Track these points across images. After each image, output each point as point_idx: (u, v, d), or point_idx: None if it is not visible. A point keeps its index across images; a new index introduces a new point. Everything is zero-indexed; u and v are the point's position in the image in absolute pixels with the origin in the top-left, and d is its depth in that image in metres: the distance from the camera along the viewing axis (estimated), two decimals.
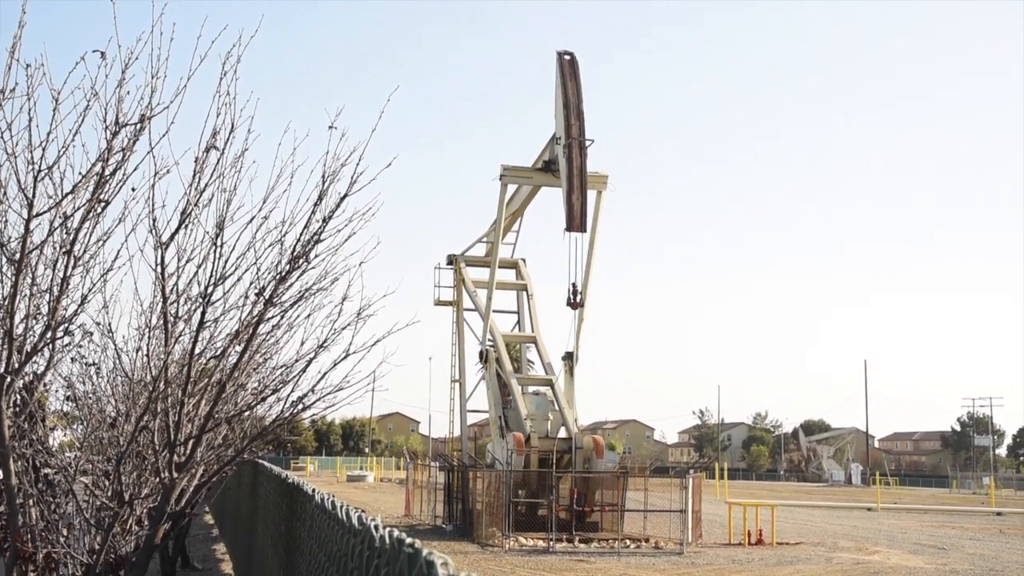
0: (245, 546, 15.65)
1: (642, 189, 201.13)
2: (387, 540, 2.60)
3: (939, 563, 24.36)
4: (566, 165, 28.66)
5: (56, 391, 8.42)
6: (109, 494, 6.67)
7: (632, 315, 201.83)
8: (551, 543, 25.67)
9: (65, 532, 6.75)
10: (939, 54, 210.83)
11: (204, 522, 29.29)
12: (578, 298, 30.37)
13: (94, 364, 8.68)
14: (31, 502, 6.57)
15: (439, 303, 35.89)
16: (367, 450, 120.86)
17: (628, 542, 26.71)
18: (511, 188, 32.69)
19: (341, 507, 3.78)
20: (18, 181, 5.58)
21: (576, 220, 28.78)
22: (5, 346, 5.88)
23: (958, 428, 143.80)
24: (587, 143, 28.72)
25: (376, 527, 2.86)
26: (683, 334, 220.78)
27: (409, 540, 2.33)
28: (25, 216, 5.58)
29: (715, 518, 34.33)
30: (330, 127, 6.15)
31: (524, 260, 36.51)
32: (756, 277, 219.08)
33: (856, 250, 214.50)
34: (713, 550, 26.78)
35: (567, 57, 29.69)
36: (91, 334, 7.35)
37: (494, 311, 34.02)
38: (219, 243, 6.23)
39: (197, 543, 23.27)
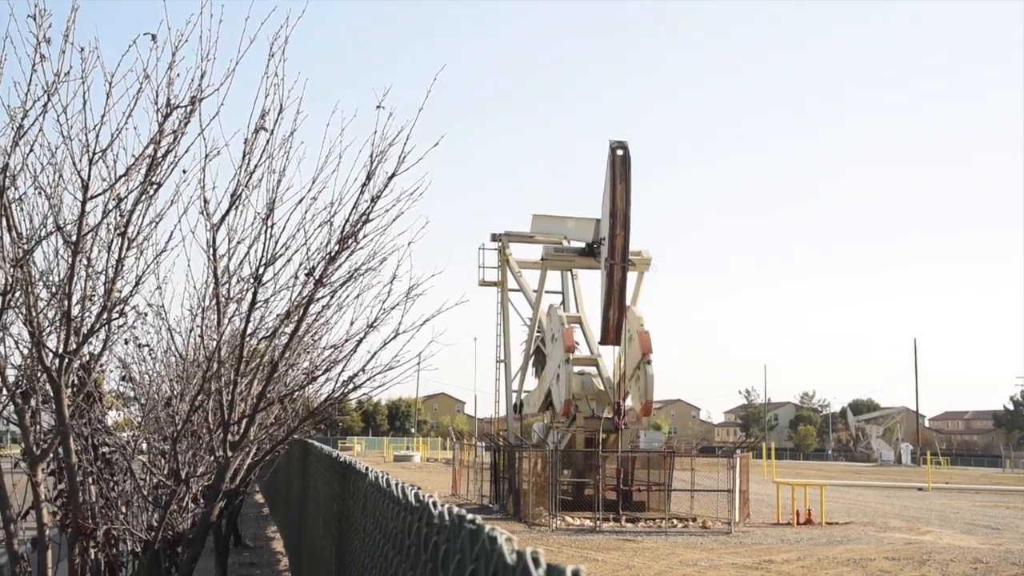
0: (295, 524, 15.85)
1: (690, 168, 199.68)
2: (446, 517, 2.60)
3: (993, 543, 24.02)
4: (606, 279, 28.61)
5: (111, 372, 8.56)
6: (165, 472, 6.77)
7: (678, 294, 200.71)
8: (598, 522, 25.72)
9: (124, 509, 6.87)
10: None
11: (255, 501, 29.73)
12: (623, 418, 29.71)
13: (147, 345, 8.82)
14: (90, 480, 6.70)
15: (484, 283, 35.91)
16: (413, 430, 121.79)
17: (675, 521, 26.68)
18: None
19: (397, 485, 3.79)
20: (74, 163, 5.65)
21: (611, 334, 29.06)
22: (63, 327, 5.97)
23: (1011, 407, 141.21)
24: (629, 265, 28.55)
25: (434, 504, 2.86)
26: (729, 314, 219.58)
27: (470, 516, 2.32)
28: (81, 198, 5.65)
29: (762, 498, 34.14)
30: (378, 107, 6.15)
31: (567, 239, 36.43)
32: (803, 256, 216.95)
33: (906, 229, 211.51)
34: (761, 529, 26.66)
35: (619, 152, 28.38)
36: (145, 315, 7.45)
37: (535, 290, 34.07)
38: (270, 224, 6.26)
39: (248, 521, 23.63)
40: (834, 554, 21.16)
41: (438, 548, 2.72)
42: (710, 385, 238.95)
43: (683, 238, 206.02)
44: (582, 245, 32.78)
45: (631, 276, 29.89)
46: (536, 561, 1.71)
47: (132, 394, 8.95)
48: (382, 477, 4.30)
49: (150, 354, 8.91)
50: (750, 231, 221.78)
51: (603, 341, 29.86)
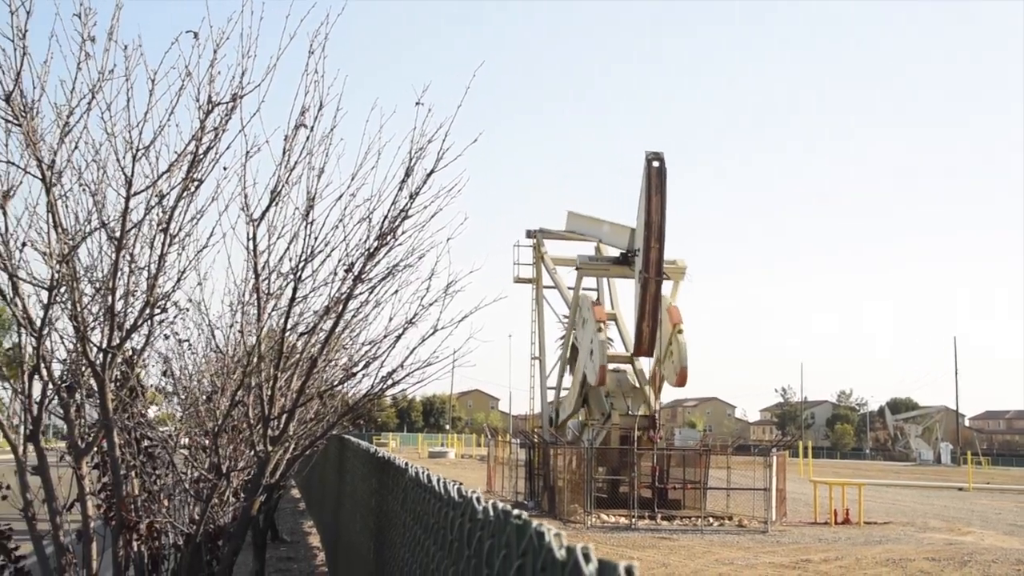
0: (332, 519, 15.95)
1: (725, 167, 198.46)
2: (491, 512, 2.59)
3: None
4: (640, 292, 28.52)
5: (151, 367, 8.65)
6: (206, 466, 6.84)
7: (713, 292, 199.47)
8: (633, 520, 25.64)
9: (166, 503, 6.94)
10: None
11: (291, 496, 29.96)
12: (658, 432, 29.66)
13: (187, 341, 8.90)
14: (133, 473, 6.77)
15: (519, 280, 35.91)
16: (447, 427, 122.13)
17: (711, 520, 26.53)
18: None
19: (438, 480, 3.79)
20: (118, 160, 5.71)
21: (644, 346, 28.99)
22: (107, 322, 6.04)
23: None
24: (663, 278, 28.43)
25: (478, 499, 2.86)
26: (765, 311, 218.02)
27: (516, 512, 2.31)
28: (125, 194, 5.71)
29: (799, 496, 33.87)
30: (417, 103, 6.16)
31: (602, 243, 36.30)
32: (840, 253, 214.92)
33: (943, 227, 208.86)
34: (798, 528, 26.44)
35: (655, 164, 28.04)
36: (187, 310, 7.53)
37: (571, 287, 34.01)
38: (309, 220, 6.30)
39: (285, 516, 23.82)
40: (873, 554, 20.94)
41: (482, 543, 2.72)
42: (746, 383, 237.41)
43: (720, 233, 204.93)
44: (616, 253, 32.66)
45: (666, 284, 29.79)
46: (587, 556, 1.70)
47: (172, 389, 9.05)
48: (423, 473, 4.30)
49: (189, 349, 9.00)
50: (787, 226, 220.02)
51: (636, 353, 29.90)
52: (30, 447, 6.24)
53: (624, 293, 34.37)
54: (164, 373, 8.76)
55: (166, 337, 8.28)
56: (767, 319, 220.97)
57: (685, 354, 28.70)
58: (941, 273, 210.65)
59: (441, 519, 3.60)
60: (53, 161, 5.58)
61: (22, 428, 6.52)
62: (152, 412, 8.88)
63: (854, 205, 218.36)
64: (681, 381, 28.99)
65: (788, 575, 17.77)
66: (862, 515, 28.54)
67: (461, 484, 3.44)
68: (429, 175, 6.43)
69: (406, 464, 5.29)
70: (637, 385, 31.25)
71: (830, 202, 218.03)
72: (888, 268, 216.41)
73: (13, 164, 5.63)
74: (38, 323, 5.90)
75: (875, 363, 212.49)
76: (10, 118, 5.48)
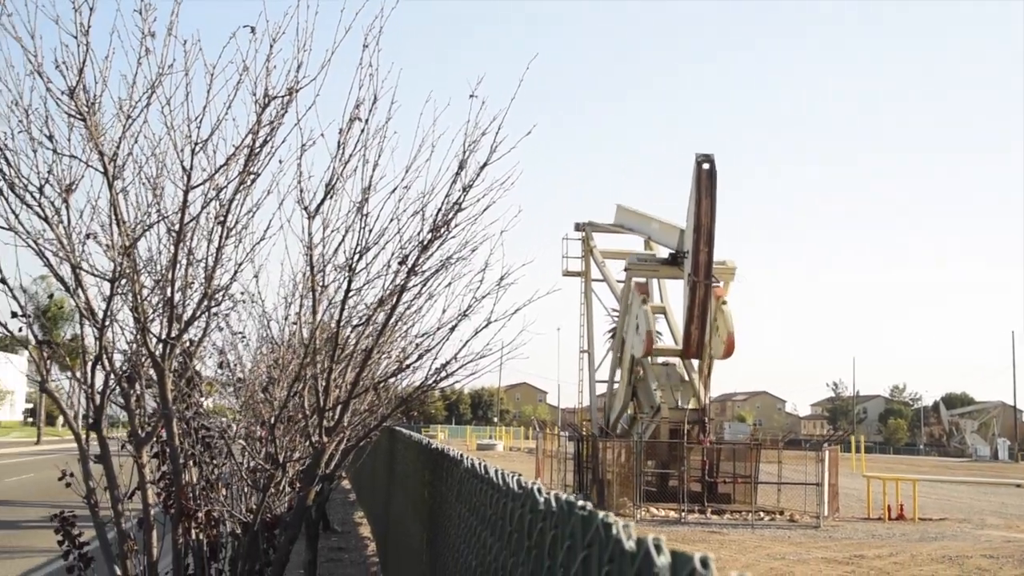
0: (382, 510, 16.07)
1: (776, 160, 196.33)
2: (554, 504, 2.59)
3: None
4: (689, 295, 28.37)
5: (207, 359, 8.77)
6: (263, 456, 6.92)
7: (763, 285, 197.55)
8: (683, 514, 25.51)
9: (224, 491, 7.03)
10: None
11: (342, 487, 30.23)
12: (707, 434, 29.51)
13: (240, 333, 9.02)
14: (191, 462, 6.87)
15: (567, 273, 35.80)
16: (495, 419, 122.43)
17: (762, 514, 26.31)
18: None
19: (496, 471, 3.79)
20: (177, 154, 5.79)
21: (693, 349, 29.09)
22: (166, 314, 6.14)
23: None
24: (713, 282, 28.27)
25: (539, 490, 2.85)
26: (816, 305, 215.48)
27: (580, 503, 2.30)
28: (183, 188, 5.79)
29: (852, 492, 33.46)
30: (471, 96, 6.16)
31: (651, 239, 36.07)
32: (894, 245, 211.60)
33: (1001, 219, 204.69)
34: (851, 524, 26.13)
35: (705, 166, 27.79)
36: (243, 302, 7.62)
37: (620, 281, 33.86)
38: (364, 213, 6.33)
39: (335, 507, 24.04)
40: (928, 551, 20.61)
41: (544, 534, 2.71)
42: (796, 377, 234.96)
43: (772, 226, 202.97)
44: (665, 252, 32.46)
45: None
46: (658, 548, 1.68)
47: (226, 380, 9.17)
48: (479, 464, 4.31)
49: (243, 341, 9.12)
50: (839, 218, 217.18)
51: (685, 355, 29.81)
52: (93, 436, 6.36)
53: (674, 288, 34.14)
54: (220, 365, 8.89)
55: (220, 329, 8.40)
56: (819, 313, 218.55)
57: (731, 321, 28.56)
58: (999, 266, 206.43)
59: (499, 510, 3.60)
60: (115, 154, 5.68)
61: (80, 417, 6.65)
62: (207, 403, 9.02)
63: (909, 196, 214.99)
64: (729, 349, 28.76)
65: (841, 571, 17.56)
66: (917, 511, 28.12)
67: (520, 475, 3.43)
68: (482, 168, 6.42)
69: (461, 455, 5.30)
70: (686, 378, 31.06)
71: (885, 194, 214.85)
72: (945, 261, 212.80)
73: (76, 158, 5.73)
74: (100, 315, 6.01)
75: (930, 357, 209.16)
76: (73, 112, 5.58)
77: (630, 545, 1.84)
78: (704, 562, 1.44)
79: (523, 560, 3.09)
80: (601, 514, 2.11)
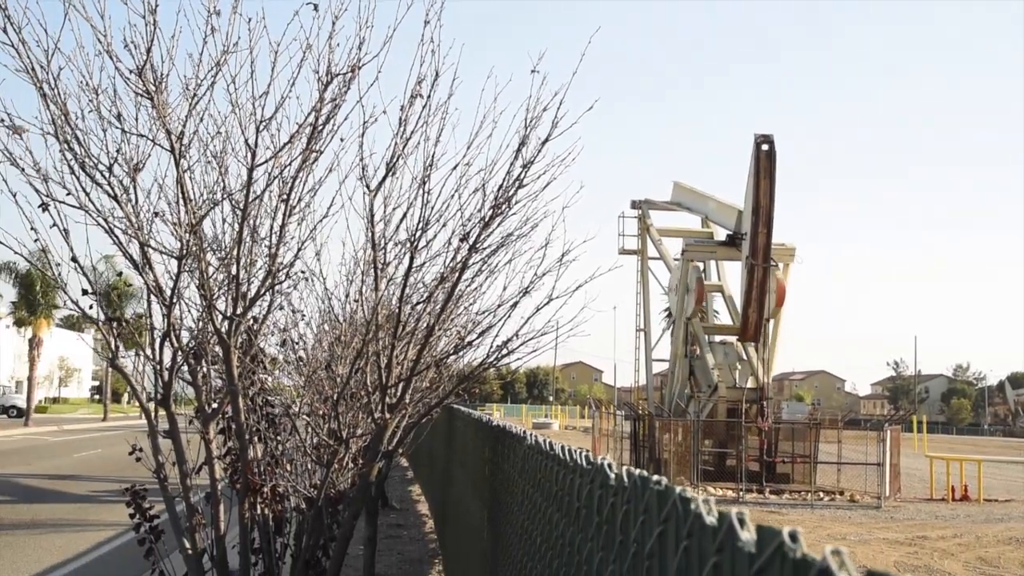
0: (440, 487, 16.19)
1: (834, 137, 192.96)
2: (625, 479, 2.57)
3: None
4: (747, 277, 27.94)
5: (269, 337, 8.87)
6: (326, 432, 6.99)
7: (822, 262, 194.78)
8: (740, 493, 25.34)
9: (288, 467, 7.13)
10: None
11: (399, 464, 30.53)
12: (766, 418, 29.14)
13: (300, 311, 9.10)
14: (256, 438, 6.97)
15: (623, 252, 35.59)
16: (551, 398, 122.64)
17: (821, 494, 26.03)
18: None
19: (563, 448, 3.78)
20: (242, 132, 5.84)
21: (750, 332, 28.64)
22: (231, 291, 6.22)
23: None
24: (771, 265, 27.87)
25: (609, 466, 2.83)
26: (876, 282, 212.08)
27: (655, 478, 2.28)
28: (248, 165, 5.84)
29: (914, 472, 32.94)
30: (533, 71, 6.12)
31: (708, 219, 35.70)
32: (955, 222, 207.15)
33: None
34: (913, 504, 25.73)
35: (764, 147, 27.17)
36: (307, 279, 7.69)
37: (676, 259, 33.59)
38: (426, 190, 6.34)
39: (393, 484, 24.28)
40: (994, 532, 20.22)
41: (615, 510, 2.69)
42: (856, 356, 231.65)
43: (832, 203, 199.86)
44: (722, 232, 32.12)
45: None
46: (742, 522, 1.65)
47: (290, 358, 9.27)
48: (545, 441, 4.30)
49: (303, 319, 9.20)
50: (899, 195, 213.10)
51: (742, 338, 29.49)
52: (161, 412, 6.48)
53: (733, 267, 33.79)
54: (282, 344, 8.98)
55: (280, 307, 8.49)
56: (879, 291, 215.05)
57: (780, 274, 28.35)
58: None
59: (566, 486, 3.59)
60: (182, 133, 5.74)
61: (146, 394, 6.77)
62: (268, 382, 9.13)
63: (969, 171, 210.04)
64: (780, 298, 28.48)
65: (904, 552, 17.31)
66: (981, 492, 27.60)
67: (588, 451, 3.41)
68: (543, 144, 6.39)
69: (524, 432, 5.30)
70: (744, 357, 30.76)
71: (944, 168, 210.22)
72: (1007, 237, 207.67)
73: (144, 136, 5.81)
74: (168, 292, 6.11)
75: (993, 336, 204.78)
76: (141, 91, 5.65)
77: (711, 520, 1.81)
78: (793, 536, 1.40)
79: (592, 536, 3.07)
80: (678, 489, 2.08)
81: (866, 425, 32.52)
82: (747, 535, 1.61)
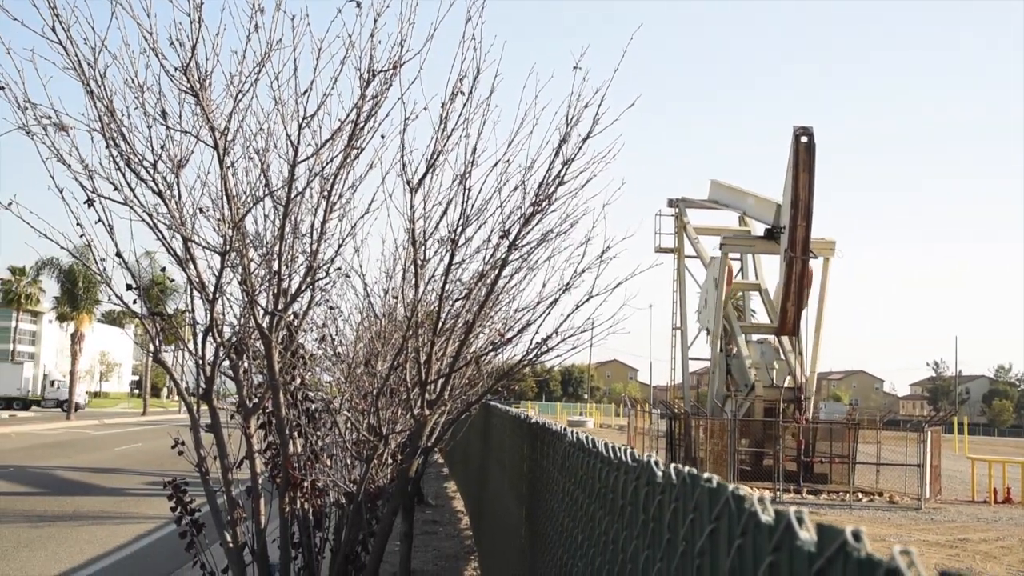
0: (476, 484, 16.21)
1: (874, 134, 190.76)
2: (673, 476, 2.54)
3: None
4: (786, 271, 27.72)
5: (308, 333, 8.92)
6: (365, 428, 7.02)
7: (860, 261, 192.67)
8: (778, 494, 25.13)
9: (328, 462, 7.17)
10: None
11: (434, 461, 30.61)
12: (803, 412, 28.90)
13: (337, 308, 9.13)
14: (296, 433, 7.01)
15: (660, 250, 35.38)
16: (586, 396, 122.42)
17: (860, 495, 25.75)
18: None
19: (607, 445, 3.76)
20: (284, 128, 5.87)
21: (788, 326, 28.46)
22: (272, 287, 6.25)
23: None
24: (811, 257, 27.61)
25: (656, 463, 2.81)
26: (916, 282, 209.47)
27: (706, 475, 2.25)
28: (290, 162, 5.87)
29: (955, 474, 32.51)
30: (575, 68, 6.09)
31: (746, 215, 35.41)
32: (996, 221, 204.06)
33: None
34: (954, 507, 25.39)
35: (804, 140, 27.00)
36: (348, 276, 7.72)
37: (714, 258, 33.37)
38: (466, 187, 6.34)
39: (429, 480, 24.35)
40: None
41: (663, 508, 2.67)
42: (895, 356, 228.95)
43: (872, 202, 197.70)
44: (761, 228, 31.87)
45: (817, 261, 29.06)
46: (800, 520, 1.63)
47: (324, 354, 9.31)
48: (587, 438, 4.28)
49: (340, 316, 9.23)
50: (938, 193, 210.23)
51: (780, 332, 29.25)
52: (203, 406, 6.54)
53: (770, 266, 33.52)
54: (321, 340, 9.02)
55: (317, 304, 8.52)
56: (919, 291, 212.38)
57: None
58: None
59: (610, 484, 3.57)
60: (226, 129, 5.78)
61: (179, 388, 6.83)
62: (307, 377, 9.18)
63: (1010, 168, 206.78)
64: (808, 282, 28.35)
65: (945, 554, 17.08)
66: None
67: (633, 448, 3.39)
68: (584, 140, 6.37)
69: (564, 429, 5.28)
70: (782, 357, 30.50)
71: (984, 166, 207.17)
72: None
73: (188, 133, 5.86)
74: (211, 287, 6.15)
75: None
76: (186, 88, 5.70)
77: (767, 518, 1.79)
78: (856, 535, 1.38)
79: (637, 534, 3.05)
80: (730, 486, 2.05)
81: (905, 426, 32.10)
82: (806, 534, 1.58)
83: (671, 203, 35.80)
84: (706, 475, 2.24)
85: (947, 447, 39.37)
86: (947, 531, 20.22)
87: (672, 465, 2.63)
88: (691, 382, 35.00)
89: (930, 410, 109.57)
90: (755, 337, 32.05)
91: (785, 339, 30.62)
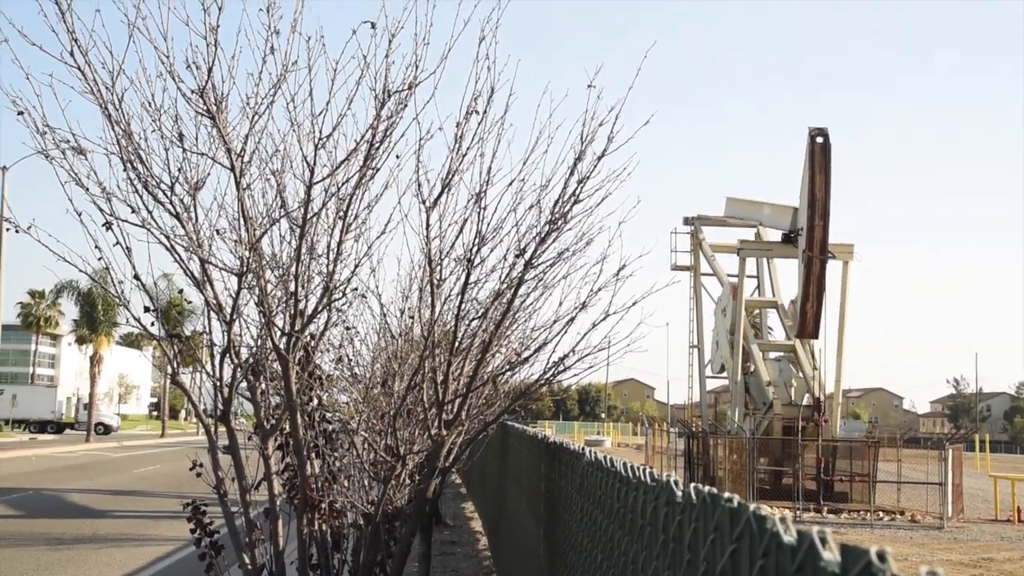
0: (494, 504, 16.15)
1: (888, 145, 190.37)
2: (693, 496, 2.52)
3: None
4: (804, 272, 27.58)
5: (325, 354, 8.92)
6: (382, 448, 7.00)
7: (879, 278, 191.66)
8: (797, 513, 24.89)
9: (346, 483, 7.15)
10: None
11: (451, 481, 30.54)
12: (823, 415, 28.77)
13: (353, 328, 9.14)
14: (313, 454, 7.00)
15: (676, 268, 35.29)
16: (603, 415, 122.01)
17: (881, 514, 25.50)
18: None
19: (625, 465, 3.73)
20: (301, 149, 5.90)
21: (808, 328, 28.05)
22: (289, 308, 6.26)
23: None
24: (828, 256, 27.47)
25: (676, 483, 2.78)
26: (936, 298, 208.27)
27: (726, 495, 2.23)
28: (307, 183, 5.89)
29: (977, 492, 32.14)
30: (589, 86, 6.10)
31: (762, 225, 35.34)
32: (1015, 235, 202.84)
33: None
34: (977, 526, 25.09)
35: (819, 140, 27.10)
36: (364, 297, 7.72)
37: (730, 275, 33.27)
38: (481, 206, 6.34)
39: (446, 500, 24.27)
40: None
41: (683, 528, 2.64)
42: (914, 373, 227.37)
43: (889, 217, 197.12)
44: (779, 235, 31.78)
45: (836, 266, 28.94)
46: (824, 540, 1.60)
47: (345, 374, 9.31)
48: (606, 457, 4.25)
49: (357, 336, 9.24)
50: (958, 207, 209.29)
51: (800, 335, 29.02)
52: (220, 427, 6.54)
53: (787, 278, 33.35)
54: (337, 360, 9.02)
55: (334, 324, 8.53)
56: (938, 306, 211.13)
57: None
58: None
59: (628, 504, 3.54)
60: (242, 151, 5.81)
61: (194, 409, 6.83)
62: (324, 398, 9.18)
63: None
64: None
65: (969, 574, 16.87)
66: None
67: (652, 468, 3.37)
68: (599, 159, 6.37)
69: (582, 449, 5.25)
70: (799, 375, 30.33)
71: (1004, 179, 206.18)
72: None
73: (205, 155, 5.89)
74: (228, 309, 6.17)
75: None
76: (202, 111, 5.74)
77: (789, 538, 1.76)
78: (881, 556, 1.35)
79: (657, 554, 3.02)
80: (752, 506, 2.03)
81: (926, 443, 31.81)
82: (830, 554, 1.56)
83: (687, 221, 35.72)
84: (726, 495, 2.22)
85: (969, 465, 39.02)
86: (971, 550, 19.98)
87: (692, 484, 2.60)
88: (708, 400, 34.84)
89: (951, 428, 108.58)
90: (772, 355, 31.90)
91: (804, 356, 30.44)
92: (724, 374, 32.67)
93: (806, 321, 27.83)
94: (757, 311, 36.61)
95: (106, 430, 70.06)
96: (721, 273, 34.34)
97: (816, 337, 28.59)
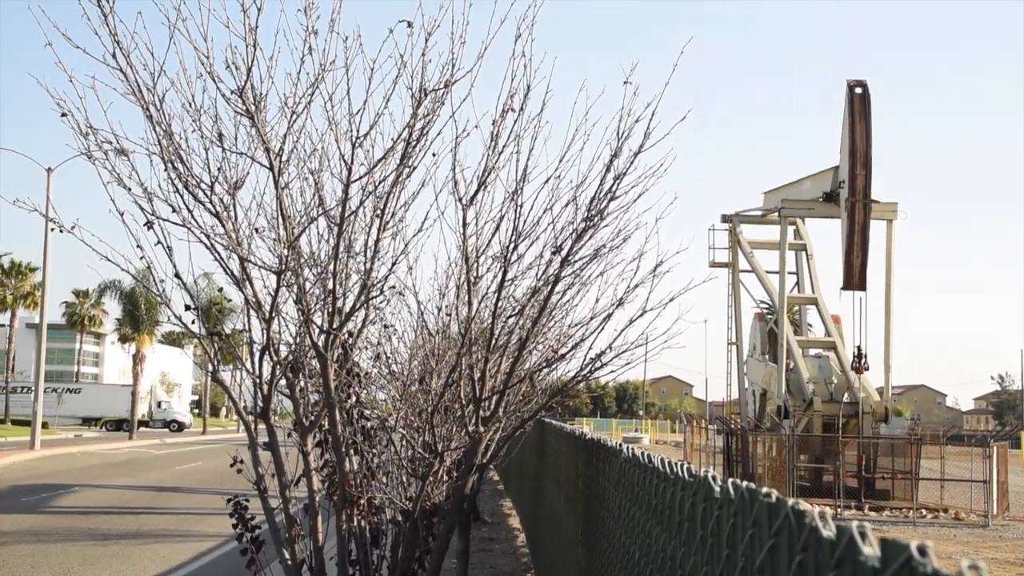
0: (531, 501, 16.15)
1: (932, 139, 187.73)
2: (732, 491, 2.51)
3: None
4: (847, 221, 27.28)
5: (363, 352, 8.98)
6: (420, 445, 7.04)
7: (922, 273, 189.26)
8: (838, 510, 24.65)
9: (384, 479, 7.19)
10: None
11: (489, 478, 30.58)
12: (863, 362, 28.56)
13: (391, 326, 9.18)
14: (352, 451, 7.05)
15: (714, 265, 35.05)
16: (641, 413, 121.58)
17: (923, 512, 25.17)
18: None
19: (663, 461, 3.73)
20: (338, 148, 5.94)
21: (855, 279, 27.62)
22: (327, 305, 6.31)
23: None
24: (872, 202, 27.18)
25: (714, 478, 2.77)
26: (980, 294, 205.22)
27: (764, 490, 2.22)
28: (344, 181, 5.93)
29: (1022, 490, 31.63)
30: (625, 82, 6.08)
31: (803, 218, 34.98)
32: None
33: None
34: (1023, 524, 24.69)
35: (858, 91, 27.26)
36: (402, 294, 7.77)
37: (769, 272, 33.00)
38: (518, 203, 6.35)
39: (484, 497, 24.30)
40: None
41: (721, 524, 2.63)
42: (957, 370, 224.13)
43: (935, 213, 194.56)
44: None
45: (881, 227, 28.62)
46: (863, 535, 1.59)
47: (384, 371, 9.36)
48: (643, 454, 4.25)
49: (395, 334, 9.28)
50: (1008, 202, 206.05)
51: (846, 286, 28.38)
52: (260, 424, 6.61)
53: (825, 270, 32.99)
54: (375, 358, 9.08)
55: (372, 323, 8.58)
56: (982, 304, 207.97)
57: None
58: None
59: (667, 499, 3.53)
60: (281, 150, 5.87)
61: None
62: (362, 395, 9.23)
63: None
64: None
65: (1015, 572, 16.62)
66: None
67: (690, 464, 3.36)
68: (636, 155, 6.35)
69: (620, 445, 5.25)
70: (840, 370, 30.00)
71: None
72: None
73: (244, 154, 5.96)
74: (267, 307, 6.23)
75: None
76: (241, 111, 5.80)
77: (828, 533, 1.75)
78: (922, 550, 1.34)
79: (695, 550, 3.01)
80: (790, 501, 2.02)
81: (970, 441, 31.36)
82: (870, 549, 1.55)
83: (725, 219, 35.45)
84: (764, 490, 2.21)
85: (1014, 462, 38.40)
86: (1016, 549, 19.67)
87: (730, 480, 2.59)
88: (747, 397, 34.58)
89: (995, 425, 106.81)
90: (812, 352, 31.59)
91: (841, 356, 30.07)
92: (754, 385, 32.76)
93: (852, 272, 27.46)
94: (797, 308, 36.24)
95: (179, 427, 71.69)
96: (760, 270, 34.06)
97: (863, 289, 28.15)
